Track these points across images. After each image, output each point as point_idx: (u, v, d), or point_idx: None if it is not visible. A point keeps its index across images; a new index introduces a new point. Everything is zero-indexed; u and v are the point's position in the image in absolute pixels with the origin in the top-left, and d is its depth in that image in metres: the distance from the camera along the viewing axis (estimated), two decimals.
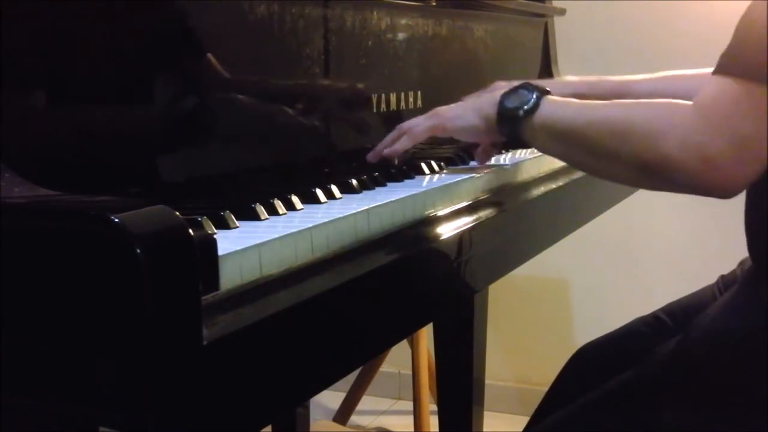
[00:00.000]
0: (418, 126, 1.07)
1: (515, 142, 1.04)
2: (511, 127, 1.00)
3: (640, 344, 1.11)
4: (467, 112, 1.06)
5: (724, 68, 0.83)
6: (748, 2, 0.84)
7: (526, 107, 0.98)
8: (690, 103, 0.84)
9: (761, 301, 0.89)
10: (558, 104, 0.98)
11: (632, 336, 1.15)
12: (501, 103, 1.01)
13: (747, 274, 0.95)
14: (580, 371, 1.18)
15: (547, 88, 1.01)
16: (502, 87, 1.17)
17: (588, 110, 0.95)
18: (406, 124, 1.09)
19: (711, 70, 1.17)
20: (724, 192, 0.83)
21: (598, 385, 0.98)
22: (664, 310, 1.17)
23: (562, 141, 0.97)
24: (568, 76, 1.30)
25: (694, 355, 0.91)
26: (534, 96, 0.99)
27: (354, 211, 0.81)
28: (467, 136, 1.09)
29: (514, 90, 1.01)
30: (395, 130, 1.10)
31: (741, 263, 1.10)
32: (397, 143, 1.06)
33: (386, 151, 1.07)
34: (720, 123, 0.80)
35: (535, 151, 1.27)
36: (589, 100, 0.96)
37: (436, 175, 1.06)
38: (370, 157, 1.10)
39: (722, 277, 1.15)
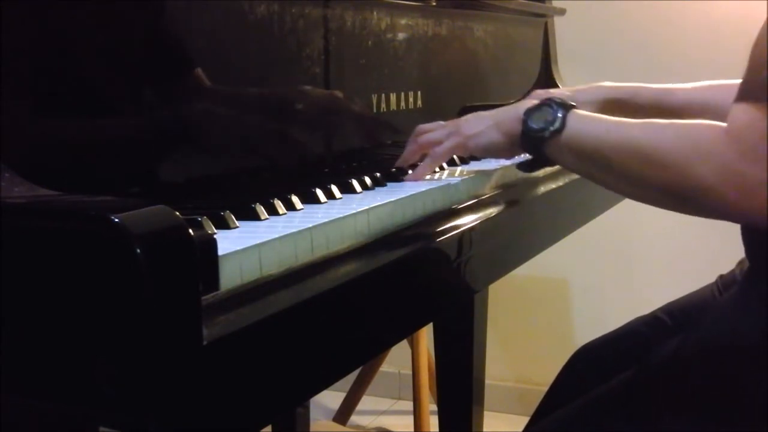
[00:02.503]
0: (440, 147, 1.03)
1: (539, 160, 1.00)
2: (536, 147, 0.97)
3: (639, 344, 1.11)
4: (489, 128, 1.01)
5: (747, 95, 0.81)
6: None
7: (552, 127, 0.94)
8: (719, 124, 0.82)
9: (761, 303, 0.88)
10: (585, 122, 0.94)
11: (631, 336, 1.15)
12: (525, 122, 0.97)
13: (745, 276, 0.95)
14: (580, 371, 1.18)
15: (572, 102, 0.97)
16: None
17: (615, 131, 0.91)
18: (425, 138, 1.06)
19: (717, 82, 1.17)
20: (761, 220, 0.80)
21: (597, 386, 0.98)
22: (663, 309, 1.16)
23: (589, 162, 0.93)
24: (605, 82, 1.27)
25: (694, 356, 0.91)
26: (559, 114, 0.94)
27: (354, 211, 0.81)
28: (489, 154, 1.06)
29: (537, 107, 0.97)
30: (411, 139, 1.08)
31: (740, 263, 1.10)
32: (420, 169, 1.02)
33: (409, 178, 1.03)
34: (755, 150, 0.78)
35: None
36: (617, 118, 0.93)
37: (436, 175, 1.06)
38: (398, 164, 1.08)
39: (721, 276, 1.15)
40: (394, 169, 1.04)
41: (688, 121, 0.86)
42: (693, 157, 0.81)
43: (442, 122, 1.07)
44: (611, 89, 1.22)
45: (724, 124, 0.81)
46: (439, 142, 1.04)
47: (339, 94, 1.10)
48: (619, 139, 0.89)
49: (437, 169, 1.08)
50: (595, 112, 1.16)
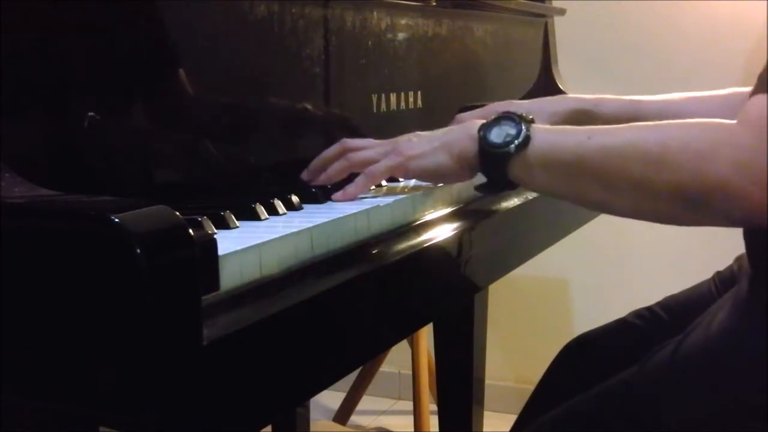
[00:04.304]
0: (377, 166, 0.90)
1: (498, 184, 0.87)
2: (499, 166, 0.85)
3: (635, 338, 1.11)
4: (435, 150, 0.89)
5: (765, 86, 0.75)
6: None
7: (517, 141, 0.83)
8: (730, 122, 0.76)
9: (761, 306, 0.88)
10: (555, 132, 0.83)
11: (627, 329, 1.15)
12: (483, 138, 0.85)
13: (746, 277, 0.95)
14: (574, 364, 1.18)
15: (531, 116, 0.85)
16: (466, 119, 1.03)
17: (601, 134, 0.80)
18: (358, 156, 0.93)
19: (725, 91, 1.15)
20: None
21: (590, 378, 0.98)
22: (660, 304, 1.16)
23: (569, 174, 0.82)
24: (569, 94, 1.17)
25: (694, 357, 0.91)
26: (523, 126, 0.83)
27: (354, 211, 0.81)
28: (432, 177, 0.93)
29: (494, 121, 0.85)
30: (335, 152, 0.95)
31: (737, 259, 1.10)
32: (351, 188, 0.89)
33: (340, 196, 0.89)
34: None
35: None
36: (591, 126, 0.84)
37: None
38: (305, 175, 0.95)
39: (718, 273, 1.15)
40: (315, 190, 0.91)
41: (692, 120, 0.79)
42: (706, 152, 0.74)
43: (373, 140, 0.96)
44: (576, 100, 1.16)
45: (734, 121, 0.76)
46: (373, 161, 0.91)
47: (339, 93, 1.10)
48: (608, 142, 0.80)
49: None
50: (560, 123, 1.06)
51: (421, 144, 0.91)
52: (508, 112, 0.86)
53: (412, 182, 1.01)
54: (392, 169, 0.91)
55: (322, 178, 0.93)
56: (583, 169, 0.81)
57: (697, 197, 0.75)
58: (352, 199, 0.89)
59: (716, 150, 0.74)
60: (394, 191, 0.94)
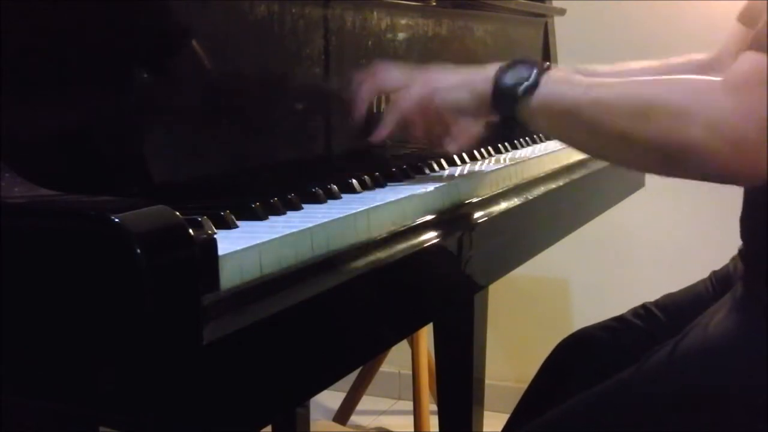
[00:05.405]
0: (408, 96, 0.97)
1: (510, 122, 0.95)
2: (508, 107, 0.92)
3: (631, 337, 1.11)
4: (457, 86, 0.96)
5: (756, 44, 0.76)
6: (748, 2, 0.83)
7: (525, 84, 0.90)
8: (714, 79, 0.78)
9: (759, 307, 0.88)
10: (561, 81, 0.90)
11: (623, 328, 1.15)
12: (497, 79, 0.93)
13: (744, 279, 0.95)
14: (569, 361, 1.18)
15: (547, 64, 0.93)
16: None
17: (597, 88, 0.86)
18: (385, 78, 1.01)
19: (681, 58, 1.16)
20: (752, 178, 0.77)
21: (587, 376, 0.98)
22: (656, 303, 1.17)
23: (566, 122, 0.88)
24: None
25: (692, 357, 0.91)
26: (534, 72, 0.90)
27: (354, 211, 0.81)
28: (452, 111, 0.99)
29: (511, 65, 0.93)
30: (366, 78, 1.02)
31: (734, 258, 1.10)
32: (387, 123, 0.98)
33: (376, 137, 0.99)
34: (752, 102, 0.73)
35: (536, 151, 1.28)
36: (594, 79, 0.89)
37: (437, 175, 1.06)
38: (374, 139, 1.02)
39: (714, 272, 1.15)
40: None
41: (679, 77, 0.83)
42: (683, 112, 0.77)
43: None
44: None
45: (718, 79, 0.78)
46: (402, 87, 0.99)
47: (339, 93, 1.10)
48: (601, 95, 0.85)
49: (437, 170, 1.08)
50: None
51: (448, 78, 0.98)
52: (525, 58, 0.93)
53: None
54: (421, 97, 0.97)
55: (356, 100, 1.01)
56: (577, 119, 0.87)
57: (674, 154, 0.79)
58: (386, 134, 0.97)
59: (693, 110, 0.77)
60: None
